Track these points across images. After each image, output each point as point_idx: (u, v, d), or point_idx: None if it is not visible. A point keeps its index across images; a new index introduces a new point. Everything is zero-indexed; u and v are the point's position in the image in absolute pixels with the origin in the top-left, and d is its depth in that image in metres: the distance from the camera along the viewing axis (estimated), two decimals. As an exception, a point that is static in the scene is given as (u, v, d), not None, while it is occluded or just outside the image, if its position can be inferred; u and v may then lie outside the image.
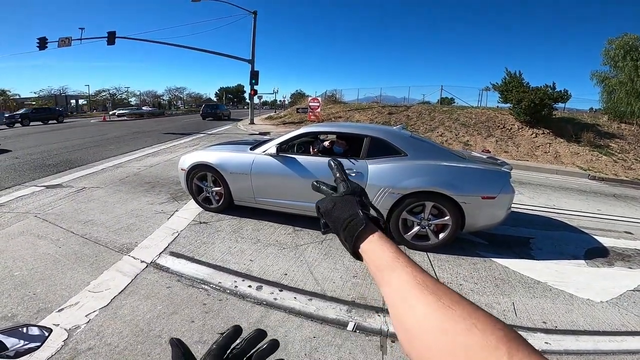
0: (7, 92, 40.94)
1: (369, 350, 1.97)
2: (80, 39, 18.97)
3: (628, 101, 12.59)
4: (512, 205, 5.34)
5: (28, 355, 0.78)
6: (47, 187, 5.45)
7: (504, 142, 12.06)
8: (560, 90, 12.57)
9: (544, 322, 2.36)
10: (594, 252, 3.74)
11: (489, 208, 3.28)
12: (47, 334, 0.86)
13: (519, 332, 0.33)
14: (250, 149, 4.02)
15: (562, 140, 11.68)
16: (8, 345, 0.77)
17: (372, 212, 0.56)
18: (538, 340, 2.15)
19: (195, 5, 21.14)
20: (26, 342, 0.81)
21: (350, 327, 2.16)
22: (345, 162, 3.51)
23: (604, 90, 13.88)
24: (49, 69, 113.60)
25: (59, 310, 2.20)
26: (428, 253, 3.35)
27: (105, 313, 2.20)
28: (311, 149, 4.26)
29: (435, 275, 2.95)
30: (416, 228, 3.36)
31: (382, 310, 2.35)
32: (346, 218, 0.52)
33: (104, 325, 2.07)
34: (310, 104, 18.23)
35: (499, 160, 3.93)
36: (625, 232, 4.55)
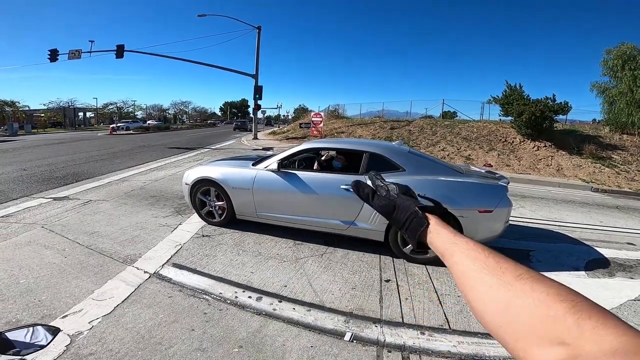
0: (17, 104, 41.01)
1: None
2: (90, 52, 19.41)
3: (629, 112, 12.59)
4: (513, 219, 5.40)
5: (33, 355, 0.81)
6: (54, 199, 5.58)
7: (505, 156, 12.11)
8: (561, 102, 12.60)
9: None
10: (595, 264, 3.73)
11: (486, 221, 3.33)
12: (53, 335, 0.90)
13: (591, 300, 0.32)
14: (252, 165, 4.12)
15: (564, 152, 11.71)
16: (15, 345, 0.82)
17: (426, 201, 0.63)
18: None
19: (201, 20, 21.80)
20: (33, 342, 0.86)
21: (347, 337, 2.19)
22: (344, 177, 3.59)
23: (604, 101, 13.89)
24: (59, 80, 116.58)
25: (62, 317, 2.27)
26: (427, 266, 3.37)
27: (107, 320, 2.26)
28: (316, 165, 4.36)
29: (434, 287, 2.96)
30: None
31: (380, 321, 2.39)
32: (405, 220, 0.58)
33: (106, 332, 2.12)
34: (313, 119, 18.51)
35: (497, 174, 3.99)
36: (628, 243, 4.54)
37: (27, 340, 0.86)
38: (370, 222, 3.46)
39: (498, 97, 14.25)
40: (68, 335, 2.06)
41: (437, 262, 3.38)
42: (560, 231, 4.89)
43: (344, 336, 2.20)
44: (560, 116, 13.73)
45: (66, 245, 3.56)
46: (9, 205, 5.16)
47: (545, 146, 12.12)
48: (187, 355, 1.94)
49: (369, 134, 16.42)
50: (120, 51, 18.92)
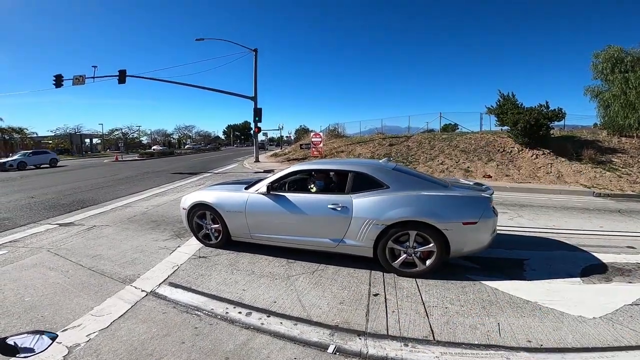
0: (25, 130, 41.31)
1: None
2: (94, 77, 19.94)
3: (624, 114, 12.56)
4: (510, 228, 5.41)
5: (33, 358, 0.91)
6: (60, 225, 5.79)
7: (504, 166, 12.15)
8: (555, 109, 12.63)
9: (528, 341, 2.34)
10: (591, 269, 3.71)
11: (471, 233, 3.37)
12: (50, 340, 1.01)
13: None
14: (245, 189, 4.27)
15: (563, 159, 11.72)
16: (17, 349, 0.92)
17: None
18: None
19: (201, 44, 22.71)
20: (34, 346, 0.95)
21: (330, 349, 2.24)
22: (331, 197, 3.71)
23: (599, 105, 13.91)
24: (66, 105, 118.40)
25: (63, 331, 2.44)
26: (417, 279, 3.40)
27: (104, 334, 2.41)
28: (306, 185, 4.48)
29: (422, 299, 2.99)
30: (403, 256, 3.46)
31: (364, 334, 2.43)
32: None
33: (102, 344, 2.26)
34: (313, 139, 18.88)
35: (483, 185, 4.08)
36: (628, 246, 4.51)
37: (27, 345, 0.95)
38: (358, 239, 3.54)
39: (492, 107, 14.33)
40: (66, 347, 2.20)
41: (427, 275, 3.43)
42: (558, 238, 4.89)
43: (327, 348, 2.25)
44: (557, 123, 13.79)
45: (70, 267, 3.73)
46: (17, 231, 5.39)
47: (543, 154, 12.16)
48: None
49: (368, 151, 16.64)
50: (122, 76, 19.54)
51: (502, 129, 15.10)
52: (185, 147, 43.64)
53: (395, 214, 3.39)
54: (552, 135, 13.21)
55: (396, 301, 2.96)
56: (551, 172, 11.24)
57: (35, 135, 44.90)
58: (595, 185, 9.81)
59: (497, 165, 12.25)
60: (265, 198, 3.97)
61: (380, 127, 22.53)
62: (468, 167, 12.57)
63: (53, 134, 49.69)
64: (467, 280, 3.38)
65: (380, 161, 4.55)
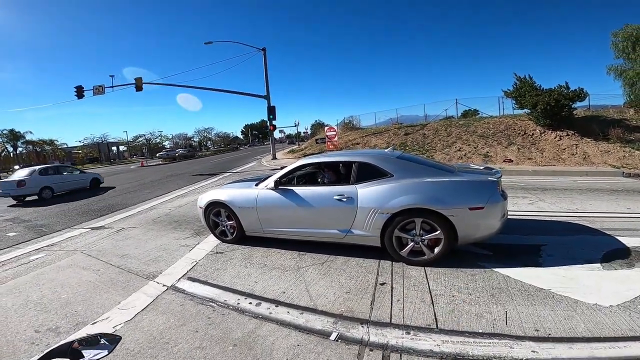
0: (55, 142, 44.20)
1: (346, 358, 2.11)
2: (112, 87, 20.76)
3: None
4: (530, 213, 5.24)
5: None
6: (92, 228, 6.26)
7: (526, 149, 11.67)
8: (575, 89, 12.04)
9: (536, 330, 2.26)
10: (613, 255, 3.49)
11: (479, 219, 3.31)
12: (115, 343, 1.04)
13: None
14: (255, 185, 4.44)
15: (589, 139, 11.12)
16: (84, 354, 0.93)
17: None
18: (524, 349, 2.07)
19: (212, 47, 23.12)
20: (97, 350, 0.98)
21: (333, 336, 2.33)
22: (336, 188, 3.78)
23: (624, 83, 13.17)
24: (91, 115, 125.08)
25: (92, 323, 2.73)
26: (425, 268, 3.38)
27: (128, 325, 2.67)
28: (312, 178, 4.59)
29: (429, 288, 2.99)
30: (410, 244, 3.46)
31: (367, 322, 2.49)
32: None
33: (126, 334, 2.49)
34: (327, 133, 18.90)
35: (493, 169, 3.98)
36: (657, 228, 4.21)
37: (93, 348, 0.99)
38: (365, 228, 3.58)
39: (509, 90, 13.86)
40: None
41: (436, 263, 3.39)
42: (580, 222, 4.68)
43: (329, 336, 2.34)
44: (581, 103, 13.17)
45: (100, 266, 4.09)
46: (54, 235, 5.91)
47: (567, 135, 11.58)
48: (189, 353, 2.23)
49: (383, 142, 16.46)
50: (139, 84, 20.33)
51: (524, 112, 14.49)
52: (202, 151, 44.92)
53: (399, 202, 3.39)
54: (576, 116, 12.59)
55: (402, 290, 2.98)
56: (576, 154, 10.68)
57: (65, 147, 47.48)
58: (624, 165, 9.26)
59: (519, 149, 11.78)
60: (274, 193, 4.11)
61: (395, 117, 22.18)
62: (487, 152, 12.17)
63: (81, 144, 52.53)
64: (478, 268, 3.31)
65: (386, 150, 4.54)
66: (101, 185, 13.70)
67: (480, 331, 2.29)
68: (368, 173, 3.73)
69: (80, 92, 20.26)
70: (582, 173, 9.03)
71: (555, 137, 11.70)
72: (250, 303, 2.89)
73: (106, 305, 3.05)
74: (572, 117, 12.23)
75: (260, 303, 2.89)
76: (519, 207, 5.89)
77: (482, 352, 2.07)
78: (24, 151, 41.09)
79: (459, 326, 2.37)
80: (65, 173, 12.84)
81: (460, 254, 3.62)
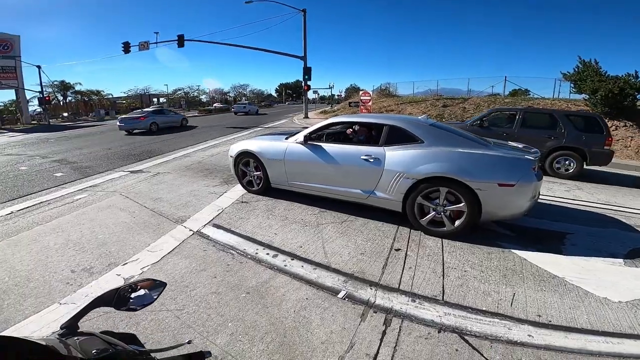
0: (102, 92, 47.30)
1: (350, 316, 2.21)
2: (156, 43, 21.83)
3: None
4: (564, 200, 4.95)
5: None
6: (131, 172, 6.76)
7: (576, 133, 10.66)
8: None
9: (538, 315, 2.27)
10: (639, 252, 3.31)
11: (507, 196, 3.18)
12: (161, 289, 0.99)
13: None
14: (285, 139, 4.50)
15: (648, 133, 9.90)
16: (131, 300, 0.92)
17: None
18: (521, 332, 2.09)
19: (251, 7, 22.55)
20: (145, 296, 0.95)
21: (341, 294, 2.45)
22: (364, 148, 3.76)
23: None
24: (135, 69, 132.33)
25: (123, 264, 2.90)
26: (443, 239, 3.38)
27: (154, 267, 2.86)
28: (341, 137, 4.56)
29: (443, 260, 3.01)
30: (432, 213, 3.43)
31: (376, 285, 2.59)
32: None
33: (151, 276, 2.63)
34: (362, 97, 18.27)
35: (532, 149, 3.72)
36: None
37: (140, 294, 0.95)
38: (388, 191, 3.58)
39: (569, 73, 12.59)
40: (123, 278, 2.65)
41: (454, 236, 3.38)
42: (615, 216, 4.39)
43: (338, 293, 2.46)
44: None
45: (136, 208, 4.43)
46: (97, 177, 6.44)
47: (625, 126, 10.47)
48: (204, 297, 2.40)
49: (419, 111, 15.70)
50: (181, 41, 20.97)
51: (582, 98, 13.15)
52: (215, 104, 45.60)
53: (425, 168, 3.34)
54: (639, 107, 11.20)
55: (416, 258, 3.02)
56: (630, 146, 9.68)
57: (111, 97, 50.14)
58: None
59: (568, 133, 10.79)
60: (302, 147, 4.16)
61: (436, 88, 20.70)
62: (531, 132, 11.28)
63: (125, 95, 55.13)
64: (496, 247, 3.27)
65: (420, 117, 4.39)
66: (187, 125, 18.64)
67: (484, 309, 2.31)
68: (398, 137, 3.66)
69: (127, 48, 21.50)
70: (630, 167, 8.21)
71: (611, 126, 10.57)
72: (268, 254, 3.07)
73: (137, 246, 3.22)
74: (635, 108, 10.99)
75: (277, 255, 3.06)
76: (554, 192, 5.57)
77: (480, 330, 2.11)
78: (73, 100, 43.56)
79: (464, 301, 2.40)
80: (165, 114, 17.75)
81: (481, 231, 3.57)
